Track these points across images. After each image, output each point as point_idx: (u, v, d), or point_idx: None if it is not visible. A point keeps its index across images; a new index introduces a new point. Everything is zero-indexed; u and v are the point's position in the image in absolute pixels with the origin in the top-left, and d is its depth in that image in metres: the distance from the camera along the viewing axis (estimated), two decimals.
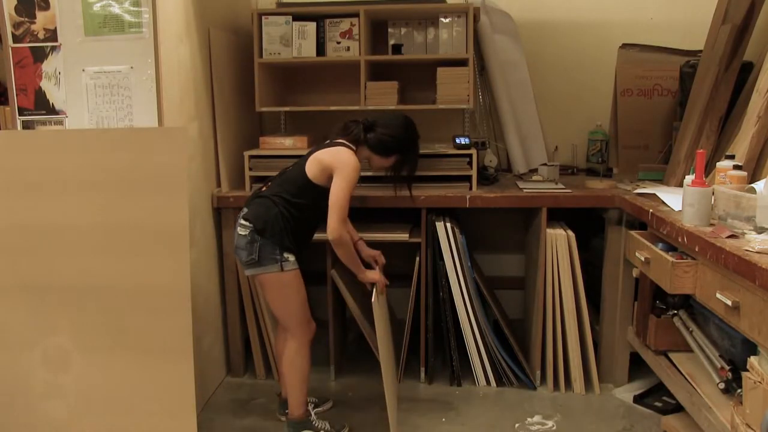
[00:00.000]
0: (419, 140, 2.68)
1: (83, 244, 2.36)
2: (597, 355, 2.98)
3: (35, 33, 2.52)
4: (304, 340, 2.50)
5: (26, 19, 2.51)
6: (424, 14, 3.25)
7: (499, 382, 3.03)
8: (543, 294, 2.92)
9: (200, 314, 2.80)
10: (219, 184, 3.08)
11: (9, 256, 2.39)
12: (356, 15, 3.13)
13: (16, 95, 2.56)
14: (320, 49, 3.21)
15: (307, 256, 2.55)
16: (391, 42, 3.30)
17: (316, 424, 2.56)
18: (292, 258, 2.41)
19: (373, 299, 2.47)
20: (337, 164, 2.41)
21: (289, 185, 2.46)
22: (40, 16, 2.51)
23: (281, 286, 2.43)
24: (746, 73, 2.89)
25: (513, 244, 3.65)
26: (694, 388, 2.29)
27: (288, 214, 2.41)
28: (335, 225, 2.36)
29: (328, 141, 2.57)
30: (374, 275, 2.58)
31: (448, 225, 2.91)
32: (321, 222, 2.47)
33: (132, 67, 2.51)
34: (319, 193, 2.44)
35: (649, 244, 2.42)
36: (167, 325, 2.34)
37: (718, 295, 1.92)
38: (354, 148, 2.52)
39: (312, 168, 2.45)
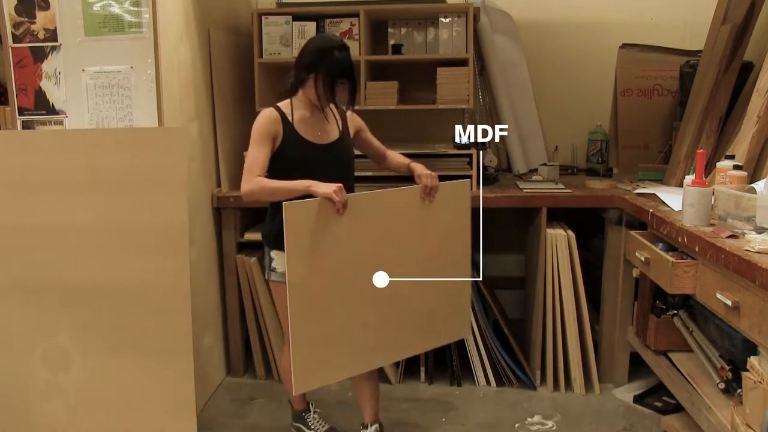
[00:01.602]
0: (336, 51, 2.16)
1: (83, 244, 2.36)
2: (597, 355, 2.98)
3: (35, 33, 2.52)
4: None
5: (26, 19, 2.51)
6: (424, 14, 3.25)
7: (499, 382, 3.03)
8: (543, 294, 2.91)
9: (200, 314, 2.80)
10: (219, 184, 3.08)
11: (9, 256, 2.39)
12: (356, 15, 3.12)
13: (16, 95, 2.56)
14: None
15: None
16: (391, 42, 3.30)
17: (310, 422, 2.58)
18: (281, 269, 2.21)
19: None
20: None
21: None
22: (40, 16, 2.51)
23: (272, 292, 2.42)
24: (746, 73, 2.89)
25: (513, 244, 3.64)
26: (694, 388, 2.28)
27: (273, 211, 2.28)
28: (242, 186, 2.17)
29: None
30: (326, 189, 2.03)
31: None
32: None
33: (132, 67, 2.51)
34: (282, 170, 2.21)
35: (649, 244, 2.42)
36: (167, 325, 2.34)
37: (718, 295, 1.92)
38: (287, 100, 2.28)
39: None
